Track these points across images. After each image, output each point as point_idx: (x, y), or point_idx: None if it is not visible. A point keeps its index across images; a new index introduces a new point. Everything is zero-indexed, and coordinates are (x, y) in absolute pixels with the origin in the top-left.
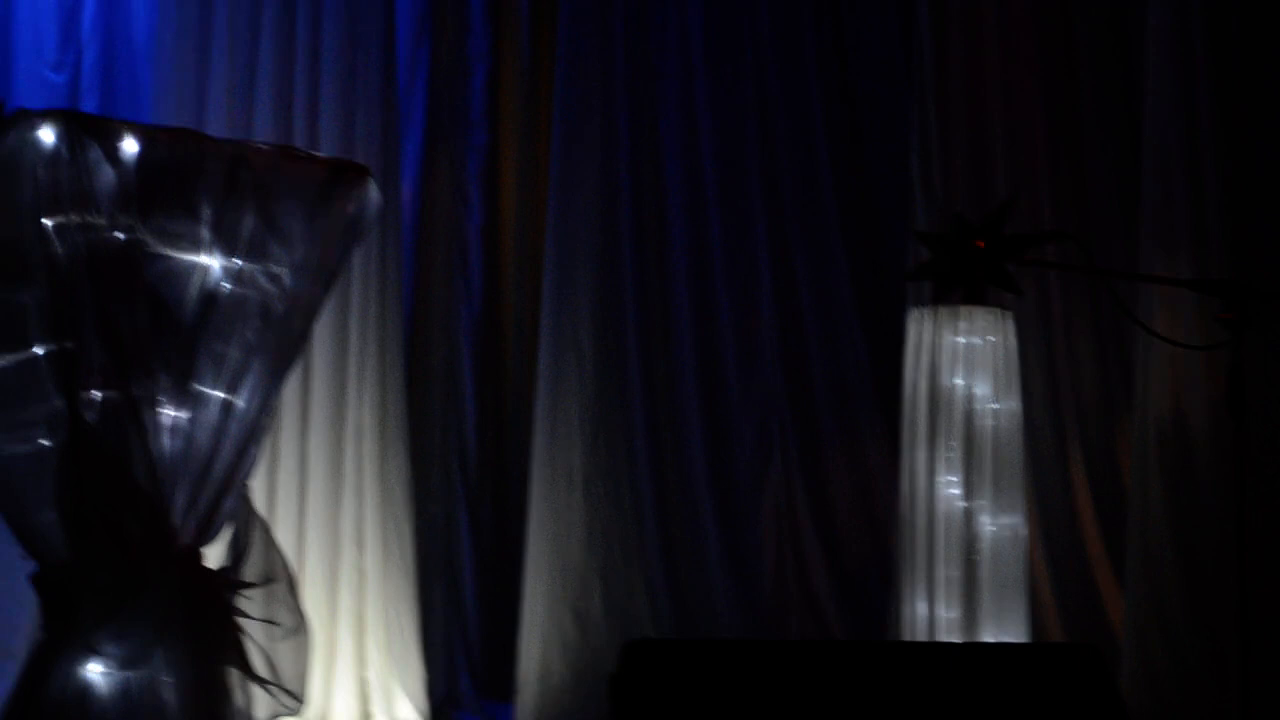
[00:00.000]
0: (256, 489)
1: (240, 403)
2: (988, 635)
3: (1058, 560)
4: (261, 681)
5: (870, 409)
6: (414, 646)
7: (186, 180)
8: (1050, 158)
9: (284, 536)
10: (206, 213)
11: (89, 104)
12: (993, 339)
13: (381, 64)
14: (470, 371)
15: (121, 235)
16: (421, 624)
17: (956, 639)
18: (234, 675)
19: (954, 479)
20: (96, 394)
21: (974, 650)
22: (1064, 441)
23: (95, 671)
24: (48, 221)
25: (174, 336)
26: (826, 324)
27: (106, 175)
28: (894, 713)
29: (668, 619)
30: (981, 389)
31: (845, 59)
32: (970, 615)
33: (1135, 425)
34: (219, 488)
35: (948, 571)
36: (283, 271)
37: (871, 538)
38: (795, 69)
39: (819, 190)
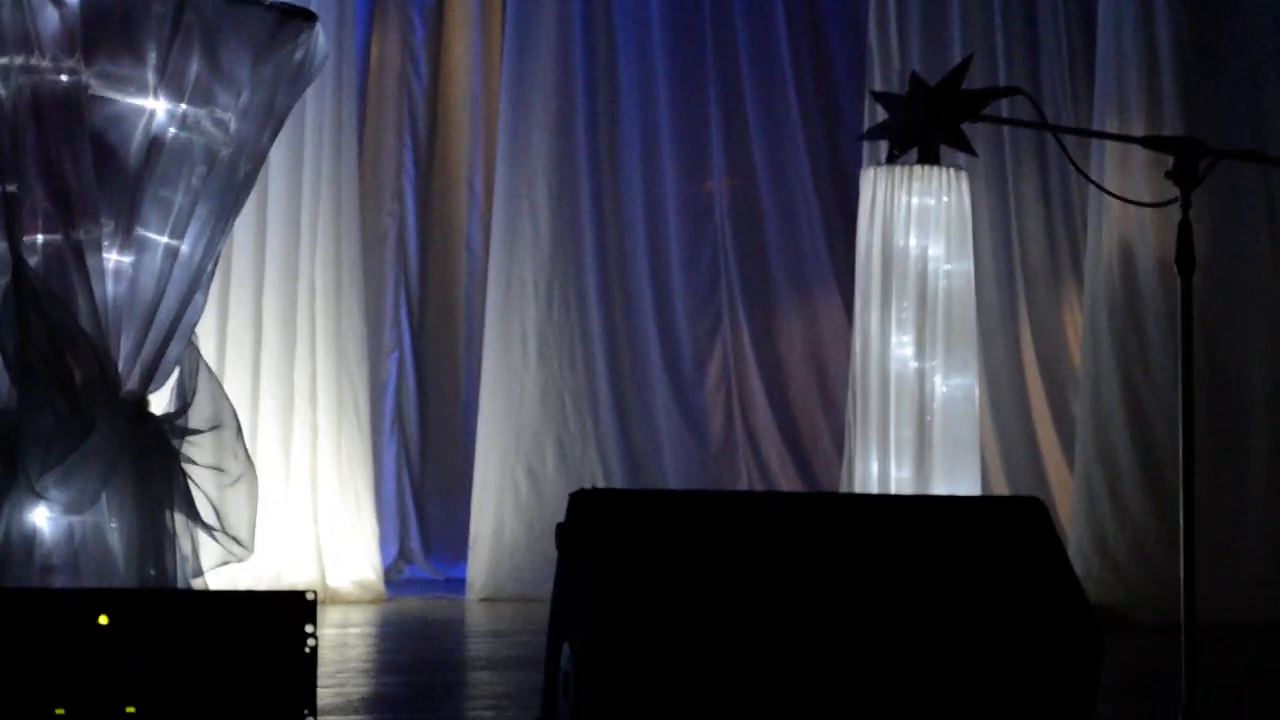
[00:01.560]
0: (209, 344)
1: (185, 248)
2: (939, 493)
3: (1004, 420)
4: (208, 528)
5: (823, 269)
6: (368, 504)
7: (131, 23)
8: (1005, 17)
9: (237, 391)
10: (152, 56)
11: None
12: (946, 199)
13: None
14: (417, 231)
15: (65, 78)
16: (375, 481)
17: None
18: (181, 521)
19: (907, 339)
20: (39, 238)
21: (918, 502)
22: (1013, 302)
23: (41, 516)
24: None
25: (118, 181)
26: (779, 184)
27: (50, 17)
28: (834, 560)
29: (620, 477)
30: (935, 249)
31: None
32: (922, 474)
33: (1086, 284)
34: (164, 334)
35: (900, 431)
36: (228, 116)
37: (821, 397)
38: None
39: (773, 52)
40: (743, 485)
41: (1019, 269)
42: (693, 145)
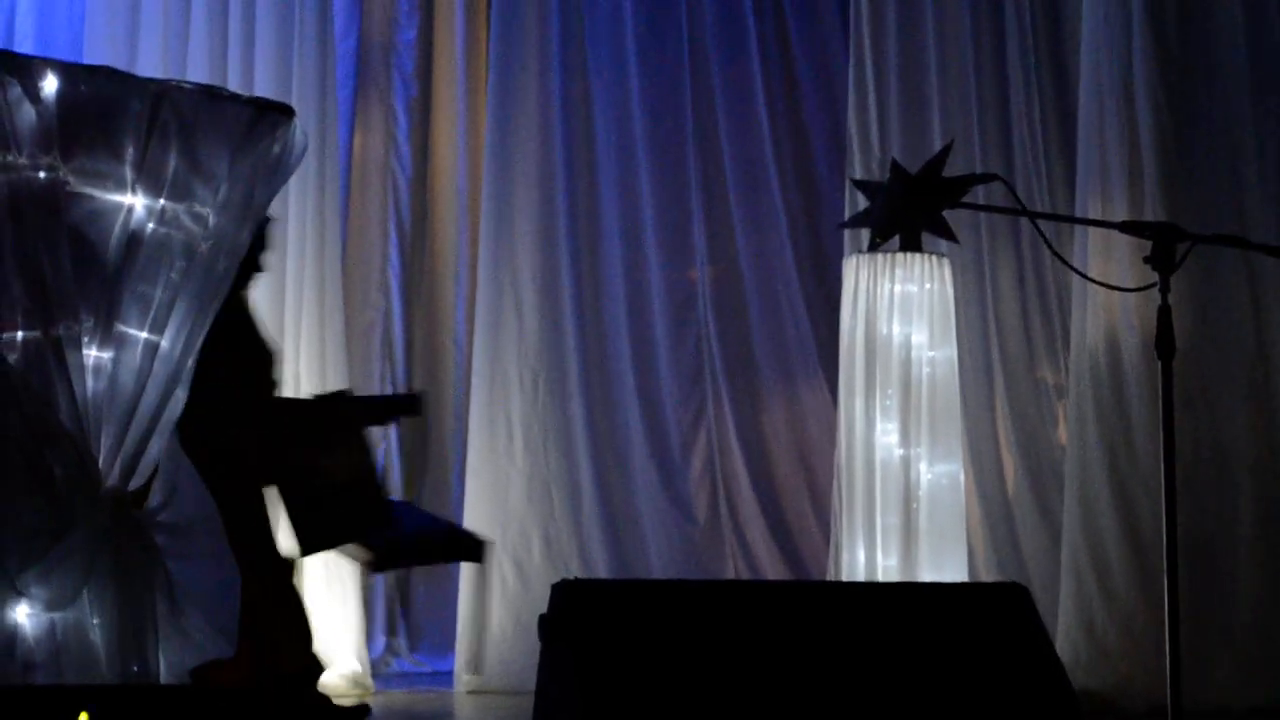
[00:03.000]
0: None
1: (165, 343)
2: (926, 580)
3: (990, 506)
4: (191, 623)
5: (807, 357)
6: (354, 596)
7: (109, 119)
8: (981, 106)
9: None
10: (129, 152)
11: (23, 46)
12: (929, 286)
13: (318, 8)
14: (402, 324)
15: (43, 174)
16: (361, 578)
17: None
18: (163, 616)
19: (891, 427)
20: (19, 334)
21: (901, 589)
22: (991, 388)
23: (22, 614)
24: None
25: (97, 277)
26: (762, 272)
27: (27, 114)
28: (818, 649)
29: (606, 566)
30: (919, 336)
31: (781, 11)
32: (909, 561)
33: (1070, 368)
34: (145, 429)
35: (885, 519)
36: (206, 211)
37: (807, 486)
38: (731, 22)
39: (755, 141)
40: (729, 573)
41: (996, 355)
42: (675, 233)
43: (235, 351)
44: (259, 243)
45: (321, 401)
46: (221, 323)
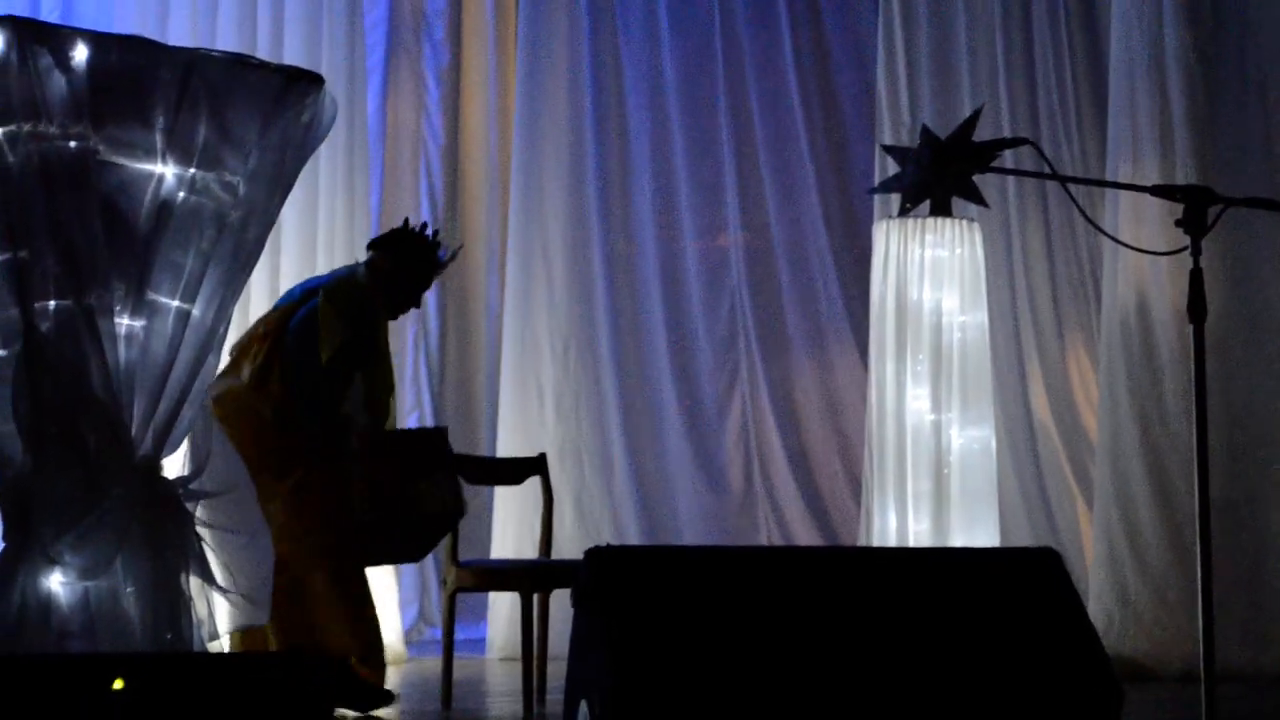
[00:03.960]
0: None
1: (196, 312)
2: (957, 545)
3: (1021, 471)
4: (223, 590)
5: (839, 323)
6: (386, 570)
7: (139, 88)
8: (1009, 70)
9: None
10: (159, 121)
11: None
12: (959, 251)
13: None
14: (435, 291)
15: (73, 144)
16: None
17: None
18: (196, 584)
19: (922, 392)
20: (51, 304)
21: (933, 554)
22: (1023, 352)
23: (56, 582)
24: None
25: (128, 246)
26: (794, 239)
27: (58, 84)
28: (850, 615)
29: (638, 533)
30: (949, 301)
31: None
32: (940, 527)
33: (1102, 334)
34: (177, 398)
35: (917, 484)
36: (237, 180)
37: (840, 452)
38: None
39: (786, 108)
40: (762, 540)
41: (1027, 319)
42: (708, 199)
43: (372, 372)
44: (418, 282)
45: (424, 434)
46: (365, 341)
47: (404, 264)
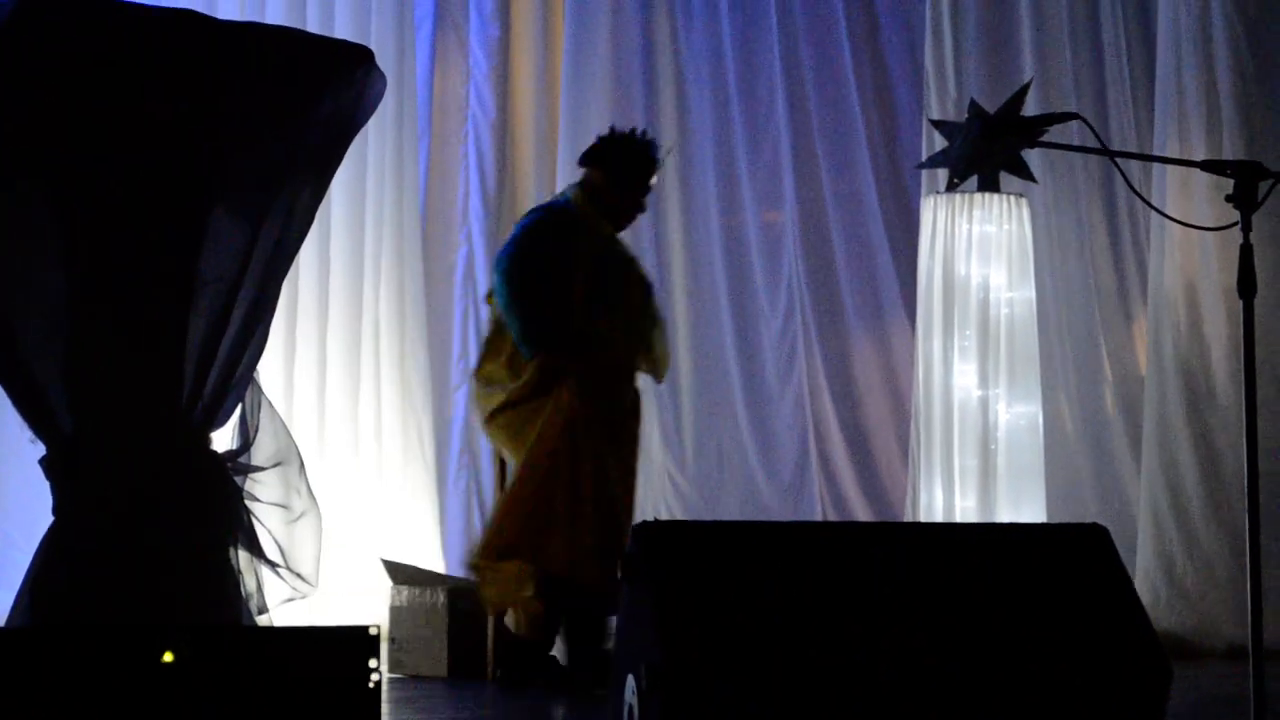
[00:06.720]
0: (275, 382)
1: (246, 282)
2: (1004, 521)
3: (1068, 446)
4: (272, 564)
5: (893, 296)
6: (434, 534)
7: (187, 62)
8: (1060, 44)
9: (302, 430)
10: (209, 94)
11: None
12: (1007, 227)
13: None
14: (484, 265)
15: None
16: (441, 516)
17: None
18: (244, 558)
19: (969, 368)
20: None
21: (981, 530)
22: (1077, 328)
23: (104, 554)
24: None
25: (177, 215)
26: (847, 214)
27: (109, 57)
28: (898, 590)
29: (693, 507)
30: (997, 277)
31: None
32: (986, 503)
33: (1149, 309)
34: (226, 370)
35: (964, 460)
36: (286, 153)
37: (894, 426)
38: None
39: (839, 82)
40: (817, 514)
41: (1075, 296)
42: (765, 174)
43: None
44: (638, 187)
45: None
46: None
47: (619, 172)
